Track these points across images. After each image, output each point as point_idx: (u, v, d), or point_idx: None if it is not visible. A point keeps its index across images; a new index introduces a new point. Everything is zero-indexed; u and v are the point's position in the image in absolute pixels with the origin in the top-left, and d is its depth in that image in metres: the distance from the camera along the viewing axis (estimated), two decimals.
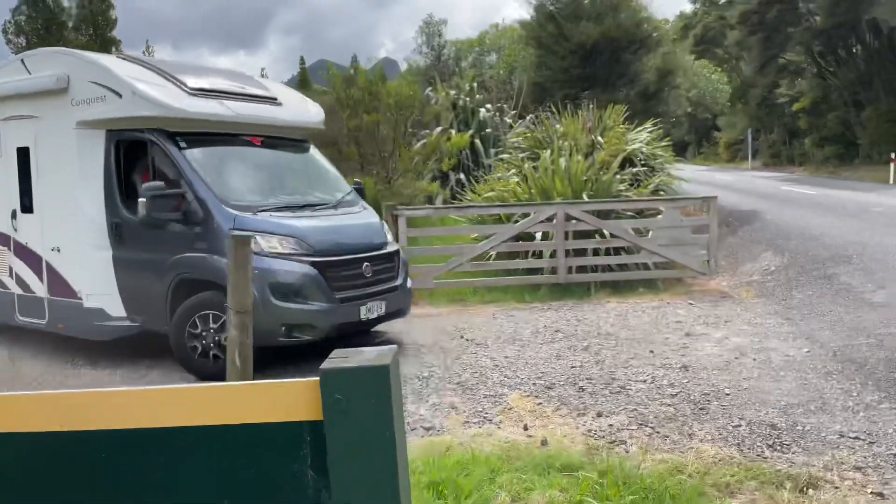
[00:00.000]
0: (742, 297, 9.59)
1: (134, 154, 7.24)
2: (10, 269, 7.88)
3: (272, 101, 7.94)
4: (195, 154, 6.94)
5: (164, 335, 6.97)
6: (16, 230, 7.80)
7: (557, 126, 13.36)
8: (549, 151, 12.19)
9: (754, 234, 14.69)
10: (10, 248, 7.88)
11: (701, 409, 5.43)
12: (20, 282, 7.82)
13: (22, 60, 7.77)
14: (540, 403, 5.70)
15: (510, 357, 6.97)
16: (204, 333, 6.57)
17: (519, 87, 18.59)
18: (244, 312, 5.67)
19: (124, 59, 7.56)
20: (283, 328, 6.41)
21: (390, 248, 7.46)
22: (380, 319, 7.20)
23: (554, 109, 14.17)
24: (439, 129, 15.76)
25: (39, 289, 7.63)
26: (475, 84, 18.22)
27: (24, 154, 7.63)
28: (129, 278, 7.07)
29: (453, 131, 15.57)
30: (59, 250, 7.41)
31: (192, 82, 7.23)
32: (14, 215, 7.79)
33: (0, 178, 7.87)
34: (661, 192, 12.70)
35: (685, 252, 10.46)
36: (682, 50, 25.40)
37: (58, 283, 7.45)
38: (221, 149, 7.36)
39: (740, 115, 52.72)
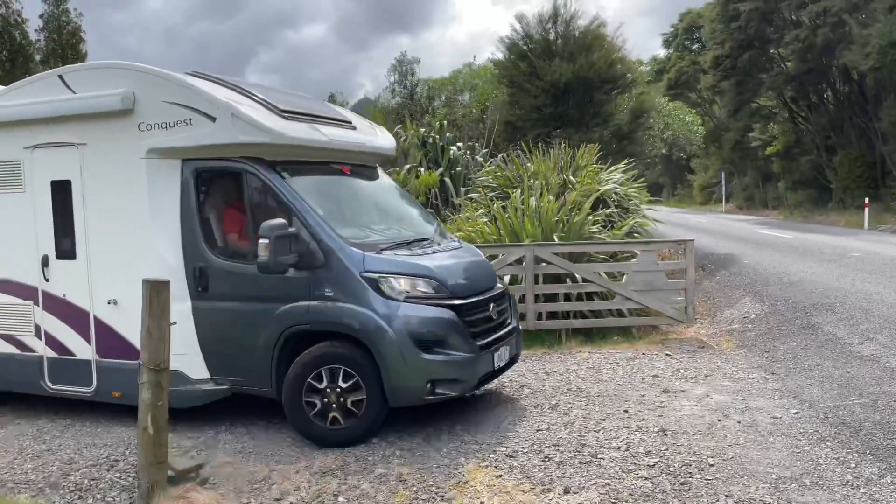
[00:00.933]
0: (722, 347, 8.99)
1: (212, 186, 6.25)
2: (38, 327, 6.62)
3: (349, 124, 7.11)
4: (301, 185, 5.99)
5: (262, 398, 6.07)
6: (47, 280, 6.55)
7: (528, 165, 12.84)
8: (519, 191, 11.62)
9: (732, 279, 14.21)
10: (37, 303, 6.61)
11: (682, 483, 4.75)
12: (53, 342, 6.57)
13: (60, 77, 6.44)
14: (500, 476, 4.98)
15: (470, 418, 6.25)
16: (328, 392, 5.59)
17: (490, 125, 18.17)
18: (160, 370, 4.95)
19: (200, 76, 6.34)
20: (429, 385, 5.52)
21: (501, 286, 6.66)
22: (506, 367, 6.39)
23: (525, 148, 13.67)
24: (407, 166, 15.19)
25: (84, 350, 6.43)
26: (445, 122, 17.76)
27: (62, 189, 6.44)
28: (215, 333, 5.98)
29: (422, 169, 15.00)
30: (115, 303, 6.24)
31: (282, 104, 6.31)
32: (45, 262, 6.54)
33: (22, 219, 6.62)
34: (636, 235, 12.17)
35: (661, 298, 9.87)
36: (657, 91, 25.25)
37: (112, 343, 6.28)
38: (320, 179, 6.46)
39: (713, 157, 53.13)
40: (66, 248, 6.47)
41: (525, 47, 22.03)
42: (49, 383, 6.62)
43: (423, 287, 5.66)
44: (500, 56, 23.46)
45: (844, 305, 10.27)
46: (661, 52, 58.24)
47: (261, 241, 5.41)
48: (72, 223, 6.42)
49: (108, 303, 6.28)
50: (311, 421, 5.63)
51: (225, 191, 6.33)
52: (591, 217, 11.06)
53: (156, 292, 4.76)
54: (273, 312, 5.71)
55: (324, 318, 5.61)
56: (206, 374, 6.07)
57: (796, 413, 6.14)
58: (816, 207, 36.20)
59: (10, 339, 6.80)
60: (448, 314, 5.63)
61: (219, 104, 5.84)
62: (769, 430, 5.74)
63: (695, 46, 57.24)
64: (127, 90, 6.05)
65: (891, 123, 26.98)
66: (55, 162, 6.46)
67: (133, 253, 6.15)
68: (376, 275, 5.56)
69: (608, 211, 11.76)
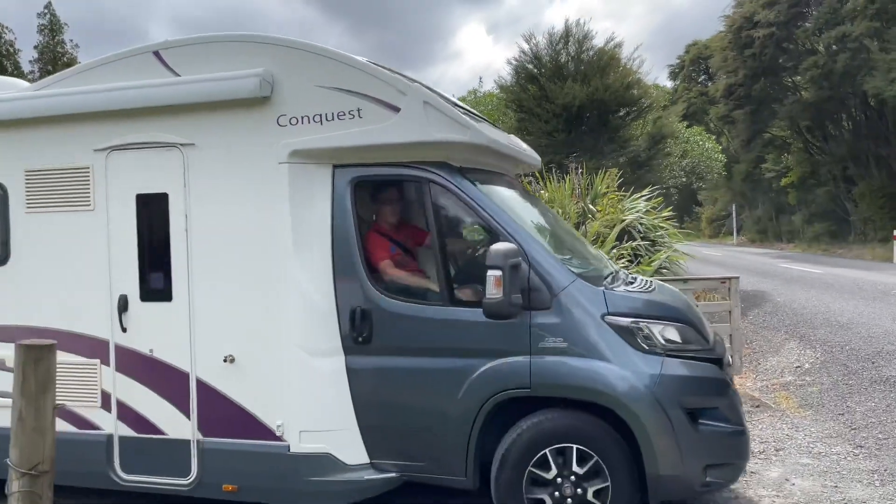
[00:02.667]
0: (781, 406, 7.48)
1: (378, 201, 4.93)
2: (106, 395, 4.84)
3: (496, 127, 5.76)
4: (502, 200, 4.56)
5: (447, 489, 4.50)
6: (125, 330, 4.77)
7: (542, 192, 11.46)
8: None
9: (768, 320, 12.72)
10: (106, 361, 4.81)
11: None
12: (129, 416, 4.78)
13: (157, 54, 4.68)
14: None
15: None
16: (561, 482, 4.03)
17: None
18: (37, 474, 3.48)
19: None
20: (705, 471, 4.01)
21: None
22: None
23: (537, 175, 12.30)
24: None
25: (179, 426, 4.65)
26: None
27: (153, 206, 4.73)
28: (383, 401, 4.35)
29: None
30: (232, 361, 4.54)
31: (448, 95, 4.93)
32: (124, 306, 4.76)
33: (87, 246, 4.86)
34: (664, 271, 10.76)
35: None
36: (676, 115, 23.93)
37: (226, 417, 4.57)
38: (504, 192, 4.89)
39: (723, 189, 51.87)
40: (156, 286, 4.74)
41: (535, 70, 20.82)
42: (121, 472, 4.77)
43: (677, 335, 4.17)
44: (506, 79, 22.28)
45: None
46: (668, 84, 57.33)
47: (490, 272, 3.89)
48: (167, 252, 4.69)
49: (225, 361, 4.54)
50: None
51: (395, 207, 4.92)
52: (615, 250, 9.67)
53: (32, 360, 3.31)
54: (473, 372, 4.15)
55: (555, 381, 4.05)
56: (364, 458, 4.40)
57: None
58: (835, 240, 34.81)
59: (60, 412, 4.75)
60: (720, 373, 4.20)
61: (407, 90, 4.30)
62: None
63: (702, 78, 56.45)
64: (265, 72, 4.38)
65: None
66: (144, 169, 4.74)
67: (263, 291, 4.49)
68: (627, 319, 4.07)
69: (634, 244, 10.36)
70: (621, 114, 19.85)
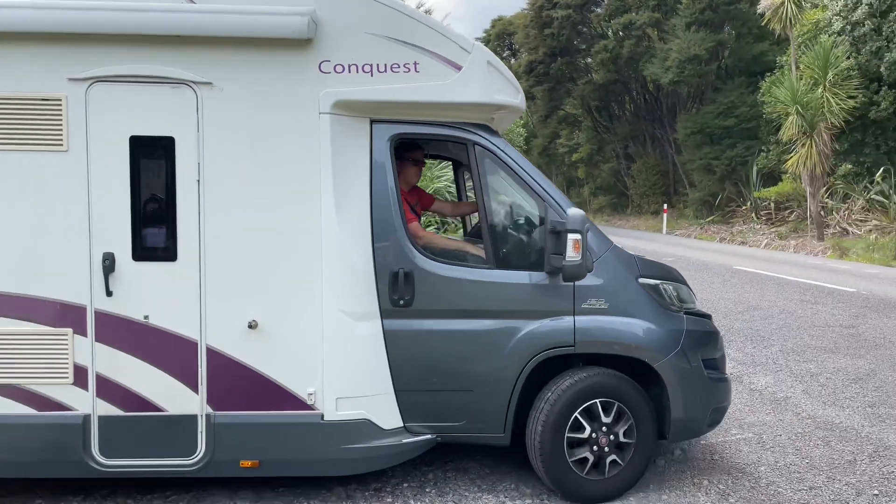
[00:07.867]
0: None
1: (418, 162, 5.15)
2: (79, 370, 4.09)
3: None
4: (533, 165, 4.74)
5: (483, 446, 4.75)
6: (110, 294, 4.08)
7: None
8: None
9: None
10: (81, 330, 4.09)
11: None
12: (112, 391, 4.11)
13: None
14: None
15: None
16: (597, 435, 4.36)
17: None
18: None
19: None
20: (711, 413, 4.69)
21: None
22: None
23: None
24: None
25: (181, 401, 4.13)
26: None
27: (153, 151, 4.10)
28: (423, 364, 4.35)
29: None
30: (255, 326, 4.15)
31: None
32: (110, 267, 4.07)
33: (61, 193, 4.07)
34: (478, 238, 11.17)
35: None
36: None
37: (242, 387, 4.17)
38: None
39: None
40: (155, 243, 4.15)
41: None
42: (100, 457, 4.10)
43: (682, 294, 4.75)
44: None
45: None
46: None
47: (571, 236, 4.10)
48: (172, 205, 4.11)
49: (249, 327, 4.14)
50: (576, 475, 4.38)
51: (419, 169, 5.19)
52: (425, 218, 9.85)
53: None
54: (519, 332, 4.38)
55: (599, 338, 4.42)
56: (398, 423, 4.36)
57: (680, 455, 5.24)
58: (616, 212, 38.34)
59: (15, 392, 4.11)
60: (715, 327, 4.92)
61: (472, 48, 4.26)
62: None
63: (506, 53, 58.93)
64: (309, 10, 4.01)
65: (685, 135, 28.76)
66: (141, 107, 4.08)
67: (296, 252, 4.20)
68: (655, 281, 4.58)
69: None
70: None
